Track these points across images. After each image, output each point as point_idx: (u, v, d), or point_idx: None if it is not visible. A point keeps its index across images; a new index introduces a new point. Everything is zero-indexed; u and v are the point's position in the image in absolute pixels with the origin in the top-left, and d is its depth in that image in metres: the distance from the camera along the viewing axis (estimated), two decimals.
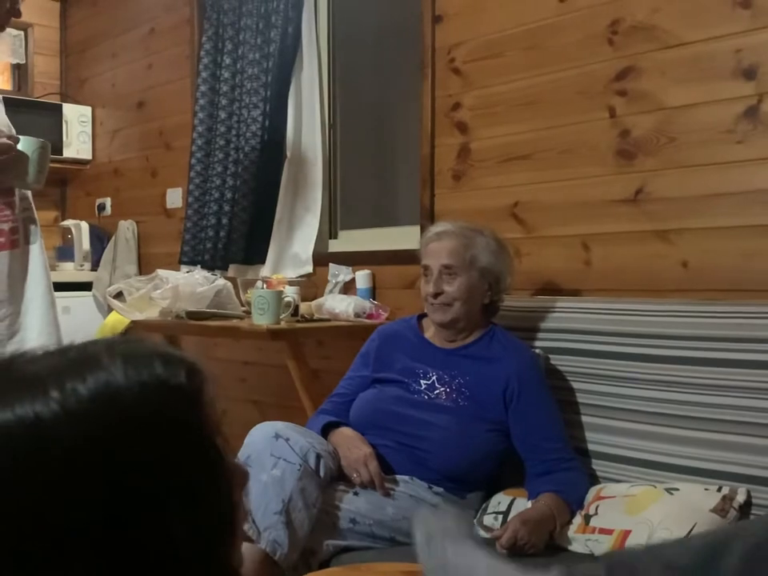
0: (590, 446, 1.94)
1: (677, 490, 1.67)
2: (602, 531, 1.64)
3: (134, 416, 0.61)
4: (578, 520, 1.72)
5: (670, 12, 2.08)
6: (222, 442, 0.67)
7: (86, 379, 0.61)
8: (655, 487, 1.71)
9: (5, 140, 2.01)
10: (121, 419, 0.61)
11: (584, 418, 1.97)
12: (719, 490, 1.64)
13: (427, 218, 2.64)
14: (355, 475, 1.80)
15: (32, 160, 2.09)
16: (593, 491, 1.79)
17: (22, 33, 4.49)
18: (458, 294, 1.95)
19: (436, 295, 1.95)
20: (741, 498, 1.62)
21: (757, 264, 1.93)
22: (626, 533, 1.60)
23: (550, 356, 2.04)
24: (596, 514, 1.69)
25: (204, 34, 3.42)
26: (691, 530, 1.53)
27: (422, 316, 2.14)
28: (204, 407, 0.65)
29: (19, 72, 4.57)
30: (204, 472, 0.64)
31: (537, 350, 2.04)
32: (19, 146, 2.06)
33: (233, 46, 3.33)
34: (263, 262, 3.16)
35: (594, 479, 1.89)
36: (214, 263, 3.28)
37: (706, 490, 1.65)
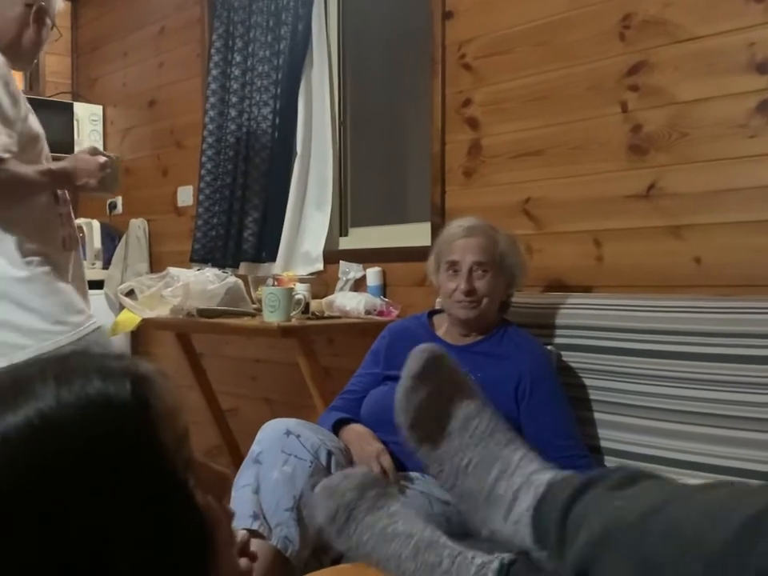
0: (602, 443, 1.93)
1: None
2: None
3: (72, 445, 0.55)
4: None
5: (681, 6, 2.07)
6: (186, 452, 0.61)
7: (16, 411, 0.55)
8: None
9: (104, 158, 2.21)
10: (55, 451, 0.55)
11: (596, 415, 1.96)
12: None
13: (438, 215, 2.64)
14: None
15: (116, 173, 2.32)
16: None
17: None
18: (488, 291, 1.95)
19: (469, 292, 1.94)
20: None
21: None
22: None
23: (562, 353, 2.03)
24: None
25: (214, 32, 3.42)
26: None
27: (433, 313, 2.13)
28: (154, 420, 0.59)
29: (31, 72, 4.59)
30: (158, 492, 0.58)
31: (549, 347, 2.03)
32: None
33: (243, 44, 3.33)
34: (274, 259, 3.16)
35: None
36: (225, 261, 3.28)
37: None
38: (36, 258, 2.17)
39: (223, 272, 2.93)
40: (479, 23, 2.54)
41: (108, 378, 0.58)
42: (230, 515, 0.66)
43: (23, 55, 2.25)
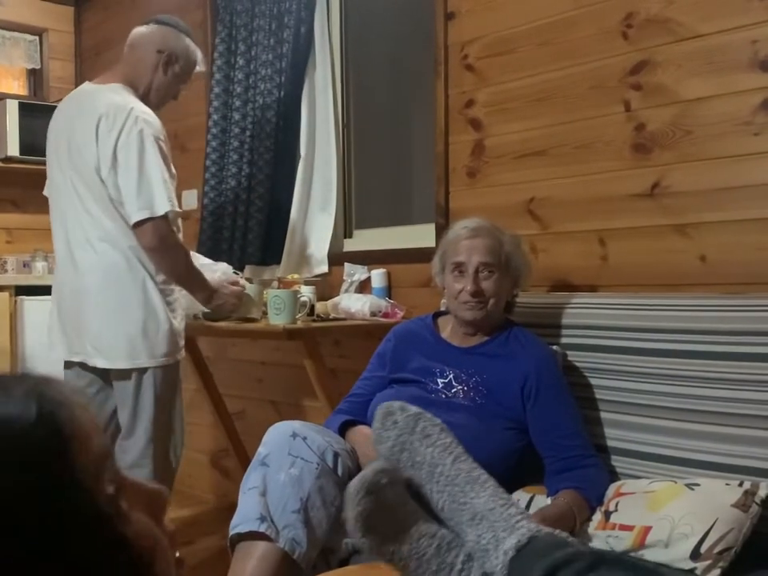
0: (609, 443, 1.93)
1: (698, 485, 1.66)
2: (623, 527, 1.63)
3: None
4: (597, 517, 1.71)
5: (684, 4, 2.07)
6: (111, 474, 0.54)
7: None
8: (676, 483, 1.69)
9: (239, 288, 2.50)
10: None
11: (603, 414, 1.96)
12: (741, 484, 1.62)
13: (442, 215, 2.64)
14: None
15: (255, 299, 2.56)
16: (612, 488, 1.77)
17: (36, 38, 4.52)
18: (494, 292, 1.95)
19: (476, 293, 1.93)
20: (763, 492, 1.60)
21: None
22: (647, 529, 1.59)
23: (568, 352, 2.03)
24: (616, 510, 1.68)
25: (217, 36, 3.43)
26: (712, 525, 1.52)
27: (438, 315, 2.13)
28: (67, 444, 0.51)
29: (35, 77, 4.61)
30: (81, 525, 0.50)
31: (554, 347, 2.03)
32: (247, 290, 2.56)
33: (246, 48, 3.34)
34: (279, 262, 3.16)
35: (613, 476, 1.87)
36: (230, 264, 3.28)
37: (727, 485, 1.64)
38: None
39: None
40: (481, 24, 2.54)
41: (9, 402, 0.51)
42: (169, 533, 0.60)
43: (151, 100, 2.43)
